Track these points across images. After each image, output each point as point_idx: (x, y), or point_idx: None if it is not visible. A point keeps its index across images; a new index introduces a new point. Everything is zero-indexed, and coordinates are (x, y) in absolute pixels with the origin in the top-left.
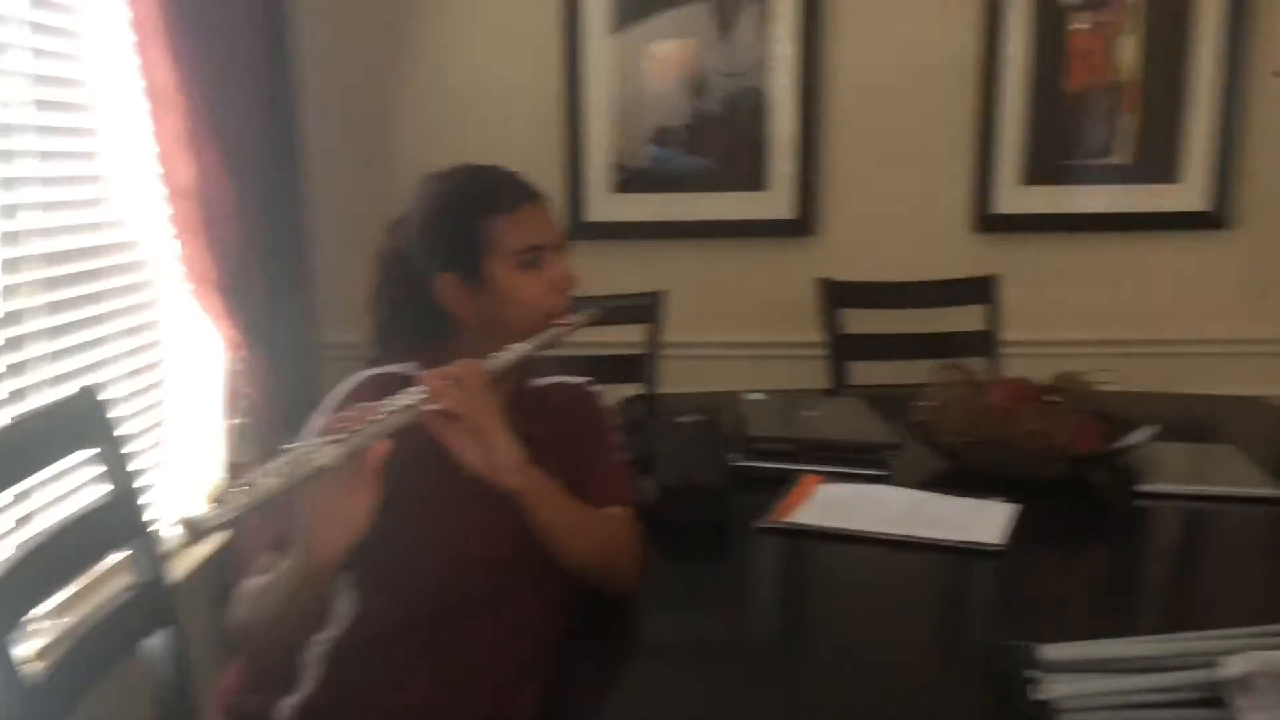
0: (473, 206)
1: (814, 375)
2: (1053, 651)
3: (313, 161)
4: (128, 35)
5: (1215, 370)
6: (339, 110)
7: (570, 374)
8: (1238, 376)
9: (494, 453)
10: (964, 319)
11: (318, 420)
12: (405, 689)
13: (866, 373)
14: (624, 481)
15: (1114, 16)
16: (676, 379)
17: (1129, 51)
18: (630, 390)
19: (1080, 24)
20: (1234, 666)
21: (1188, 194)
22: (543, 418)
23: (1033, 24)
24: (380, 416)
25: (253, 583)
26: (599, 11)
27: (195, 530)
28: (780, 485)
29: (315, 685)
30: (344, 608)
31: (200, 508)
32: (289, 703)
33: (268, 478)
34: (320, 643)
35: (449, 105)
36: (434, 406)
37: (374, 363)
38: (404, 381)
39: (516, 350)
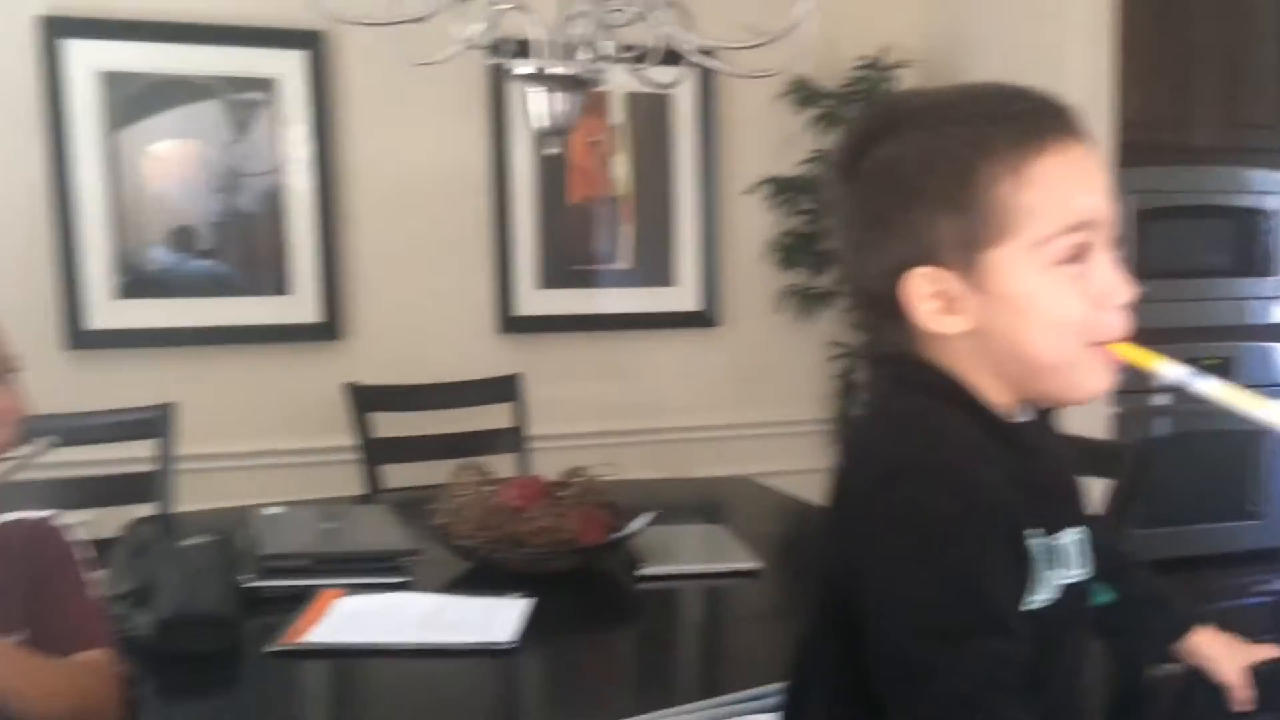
0: None
1: (349, 481)
2: None
3: None
4: None
5: (712, 454)
6: None
7: (55, 502)
8: (731, 458)
9: None
10: (493, 417)
11: None
12: None
13: (401, 475)
14: (97, 622)
15: (606, 136)
16: (200, 495)
17: (622, 168)
18: (140, 511)
19: (576, 142)
20: None
21: (682, 296)
22: None
23: (534, 140)
24: None
25: None
26: (91, 108)
27: None
28: (299, 603)
29: None
30: None
31: None
32: None
33: None
34: None
35: None
36: None
37: None
38: None
39: None
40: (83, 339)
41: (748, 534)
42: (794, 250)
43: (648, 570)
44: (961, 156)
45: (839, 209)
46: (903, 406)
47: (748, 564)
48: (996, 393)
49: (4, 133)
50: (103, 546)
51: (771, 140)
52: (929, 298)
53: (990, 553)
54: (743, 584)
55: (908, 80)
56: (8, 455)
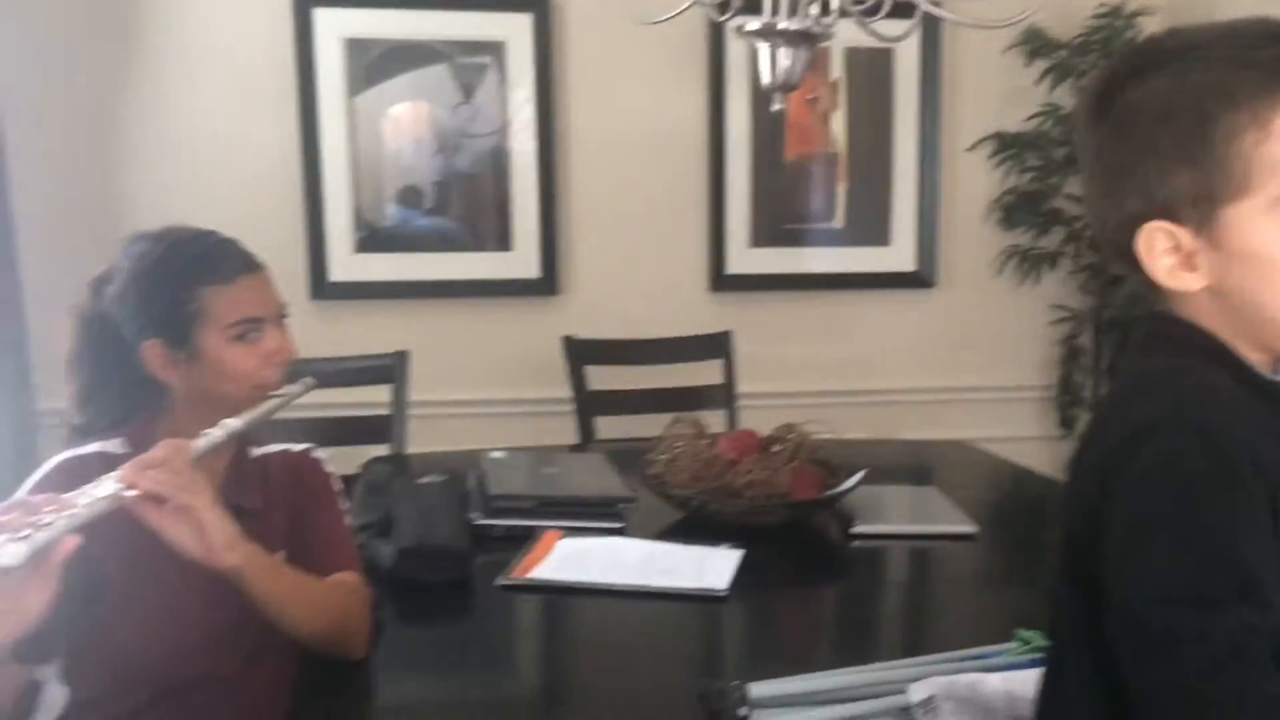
0: (185, 274)
1: (563, 431)
2: (759, 689)
3: (23, 220)
4: None
5: (924, 417)
6: (52, 166)
7: (302, 439)
8: (944, 421)
9: (205, 532)
10: (703, 373)
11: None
12: None
13: (613, 427)
14: (349, 547)
15: (825, 92)
16: (426, 438)
17: (839, 125)
18: (376, 451)
19: (794, 99)
20: (918, 692)
21: (897, 256)
22: (262, 489)
23: (752, 98)
24: (75, 508)
25: None
26: (335, 73)
27: None
28: (523, 542)
29: None
30: (53, 699)
31: None
32: None
33: None
34: None
35: (178, 162)
36: (134, 492)
37: (75, 431)
38: (106, 463)
39: (228, 426)
40: (326, 290)
41: (961, 498)
42: (1017, 210)
43: (862, 529)
44: (1201, 106)
45: (1085, 156)
46: (1156, 364)
47: (962, 528)
48: (1248, 352)
49: (265, 98)
50: (343, 483)
51: (998, 94)
52: (1165, 253)
53: (1247, 516)
54: (955, 547)
55: (1150, 30)
56: (276, 393)
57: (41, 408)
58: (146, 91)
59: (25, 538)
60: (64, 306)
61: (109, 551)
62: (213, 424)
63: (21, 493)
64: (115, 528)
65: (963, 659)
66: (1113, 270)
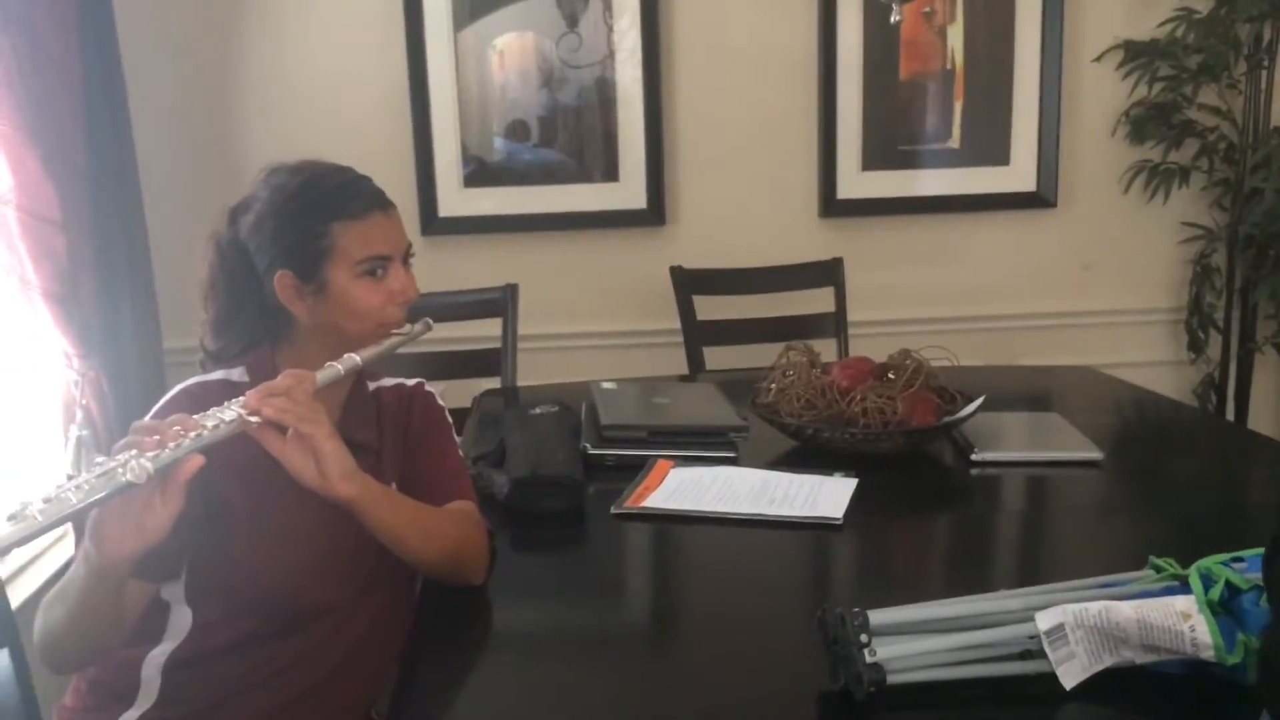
0: (319, 208)
1: (673, 361)
2: (879, 616)
3: (146, 162)
4: None
5: (1046, 343)
6: (171, 107)
7: (414, 374)
8: (1065, 347)
9: (323, 461)
10: (813, 301)
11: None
12: (248, 702)
13: (722, 357)
14: (463, 477)
15: (941, 5)
16: (536, 371)
17: (956, 40)
18: (487, 385)
19: (909, 14)
20: (1045, 620)
21: (1016, 176)
22: (376, 423)
23: (864, 14)
24: (200, 430)
25: (52, 590)
26: (442, 6)
27: None
28: (634, 471)
29: (154, 699)
30: (180, 620)
31: None
32: (128, 717)
33: (68, 494)
34: (158, 655)
35: (291, 100)
36: (257, 418)
37: (209, 356)
38: (229, 390)
39: (350, 361)
40: (435, 225)
41: (1085, 424)
42: (1147, 122)
43: (981, 456)
44: None
45: None
46: None
47: (1087, 454)
48: None
49: (373, 34)
50: (455, 415)
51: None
52: None
53: None
54: (1080, 474)
55: None
56: (397, 331)
57: (166, 346)
58: (259, 29)
59: (152, 456)
60: (184, 245)
61: (231, 477)
62: (333, 357)
63: (148, 417)
64: (238, 454)
65: (1091, 586)
66: None
